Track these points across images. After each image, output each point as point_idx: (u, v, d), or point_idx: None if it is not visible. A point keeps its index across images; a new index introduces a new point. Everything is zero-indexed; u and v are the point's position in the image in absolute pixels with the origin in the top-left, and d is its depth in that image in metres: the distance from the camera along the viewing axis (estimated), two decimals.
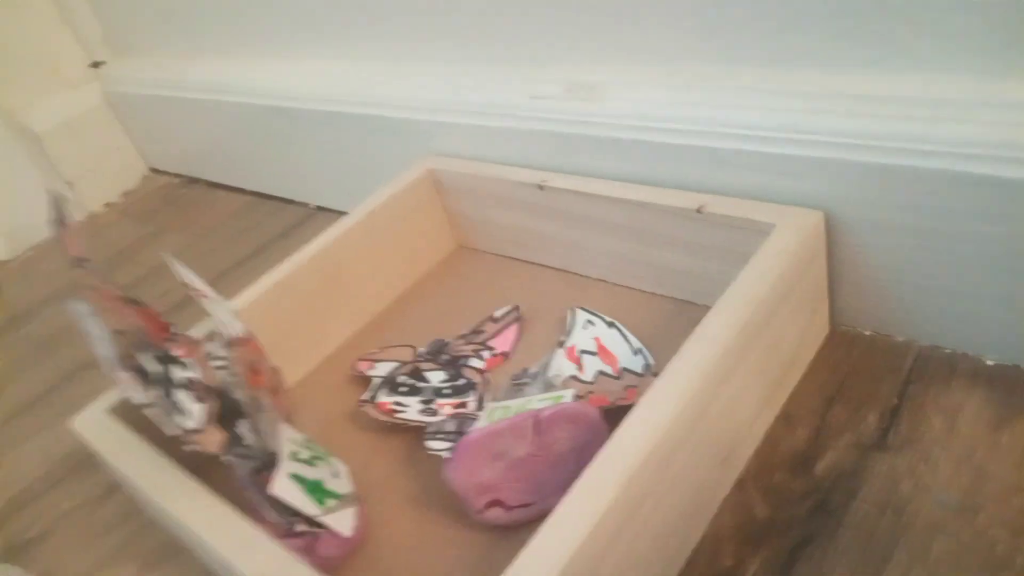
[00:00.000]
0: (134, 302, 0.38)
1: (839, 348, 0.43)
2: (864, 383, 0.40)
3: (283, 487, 0.36)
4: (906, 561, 0.32)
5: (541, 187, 0.49)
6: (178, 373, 0.34)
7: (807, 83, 0.39)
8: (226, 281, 0.69)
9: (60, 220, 0.37)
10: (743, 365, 0.35)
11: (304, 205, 0.78)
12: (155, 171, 0.98)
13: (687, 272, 0.45)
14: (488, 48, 0.52)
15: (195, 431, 0.33)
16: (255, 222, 0.78)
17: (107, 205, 0.94)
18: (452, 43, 0.54)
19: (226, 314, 0.42)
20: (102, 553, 0.45)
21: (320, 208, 0.76)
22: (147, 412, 0.34)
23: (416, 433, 0.44)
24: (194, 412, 0.33)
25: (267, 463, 0.38)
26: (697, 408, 0.32)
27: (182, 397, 0.33)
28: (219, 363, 0.40)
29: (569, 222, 0.49)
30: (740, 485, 0.37)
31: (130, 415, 0.42)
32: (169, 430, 0.33)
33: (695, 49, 0.43)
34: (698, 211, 0.42)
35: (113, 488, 0.49)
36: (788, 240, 0.38)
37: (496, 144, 0.53)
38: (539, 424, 0.35)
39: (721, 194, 0.42)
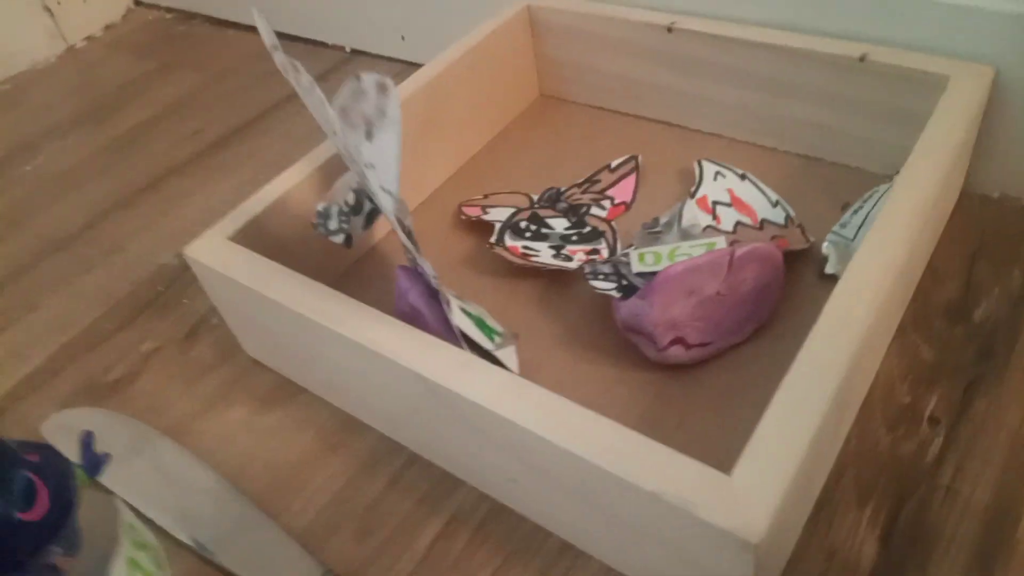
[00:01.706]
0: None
1: (972, 208, 0.44)
2: (1002, 241, 0.41)
3: (460, 319, 0.35)
4: None
5: (670, 29, 0.46)
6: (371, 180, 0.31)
7: None
8: (267, 124, 0.64)
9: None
10: (929, 223, 0.35)
11: (338, 48, 0.72)
12: (140, 3, 0.88)
13: (825, 128, 0.45)
14: None
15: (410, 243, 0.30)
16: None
17: (88, 39, 0.84)
18: None
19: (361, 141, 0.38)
20: (205, 394, 0.42)
21: (356, 52, 0.71)
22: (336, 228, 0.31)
23: (547, 277, 0.43)
24: (403, 217, 0.31)
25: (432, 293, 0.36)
26: (911, 250, 0.32)
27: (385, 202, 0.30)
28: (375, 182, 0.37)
29: (694, 72, 0.47)
30: (902, 331, 0.38)
31: (253, 244, 0.38)
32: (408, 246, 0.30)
33: None
34: (860, 60, 0.41)
35: (198, 328, 0.46)
36: (967, 97, 0.37)
37: None
38: (733, 262, 0.35)
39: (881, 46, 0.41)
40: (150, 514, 0.36)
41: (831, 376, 0.27)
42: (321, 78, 0.68)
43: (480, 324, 0.36)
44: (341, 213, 0.36)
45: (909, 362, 0.37)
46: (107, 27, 0.85)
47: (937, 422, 0.34)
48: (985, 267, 0.40)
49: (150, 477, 0.37)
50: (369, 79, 0.28)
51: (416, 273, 0.36)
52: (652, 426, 0.35)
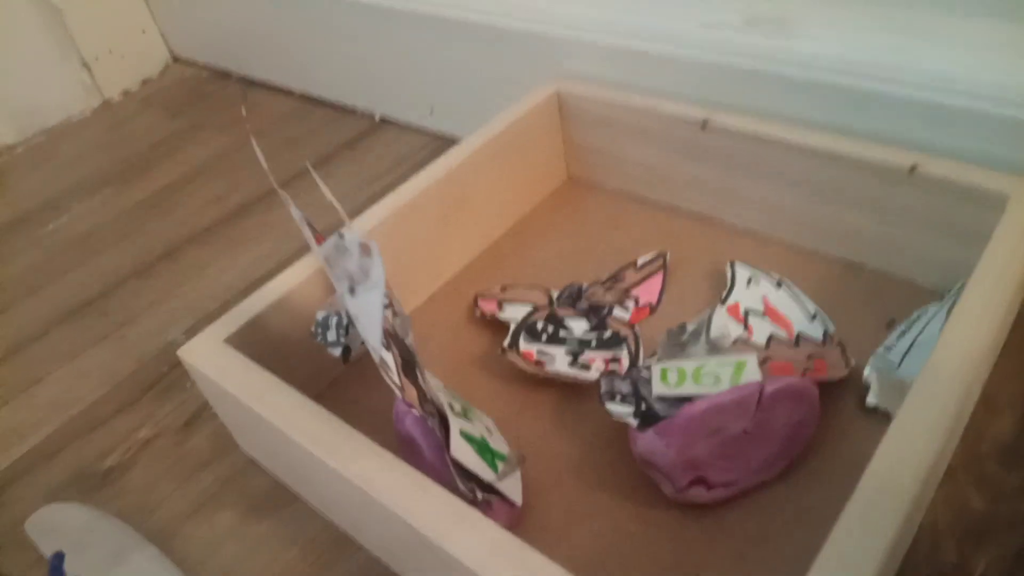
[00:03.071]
0: (312, 228, 0.33)
1: None
2: None
3: (459, 447, 0.32)
4: None
5: (705, 126, 0.44)
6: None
7: None
8: (290, 191, 0.62)
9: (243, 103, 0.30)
10: (987, 355, 0.32)
11: (367, 115, 0.71)
12: (178, 60, 0.89)
13: (871, 236, 0.41)
14: None
15: (399, 386, 0.28)
16: (310, 129, 0.71)
17: (124, 93, 0.85)
18: None
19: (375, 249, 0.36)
20: (197, 493, 0.40)
21: (384, 120, 0.70)
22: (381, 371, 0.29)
23: (562, 388, 0.40)
24: (389, 363, 0.28)
25: (438, 420, 0.33)
26: (968, 393, 0.29)
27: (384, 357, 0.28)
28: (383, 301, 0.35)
29: (728, 167, 0.45)
30: (951, 474, 0.34)
31: (248, 347, 0.36)
32: (396, 389, 0.28)
33: None
34: (910, 171, 0.38)
35: (197, 417, 0.44)
36: None
37: (641, 72, 0.47)
38: (762, 400, 0.32)
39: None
40: None
41: (879, 542, 0.24)
42: (349, 145, 0.67)
43: (482, 450, 0.33)
44: (340, 325, 0.34)
45: (957, 513, 0.33)
46: (144, 82, 0.86)
47: None
48: None
49: None
50: (352, 239, 0.26)
51: None
52: (666, 573, 0.32)
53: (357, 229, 0.40)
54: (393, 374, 0.28)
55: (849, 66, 0.40)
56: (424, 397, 0.31)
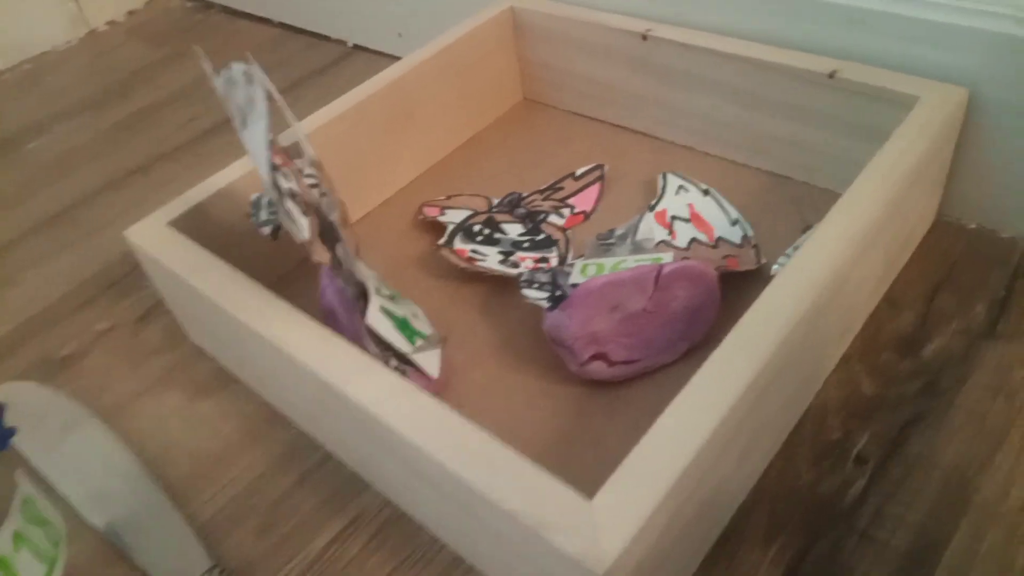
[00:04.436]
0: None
1: (944, 237, 0.41)
2: (970, 274, 0.39)
3: (376, 319, 0.34)
4: (1019, 444, 0.32)
5: (645, 37, 0.45)
6: (283, 182, 0.31)
7: None
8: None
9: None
10: (876, 245, 0.33)
11: (340, 43, 0.72)
12: None
13: (795, 144, 0.43)
14: None
15: (309, 242, 0.30)
16: (286, 57, 0.72)
17: (110, 23, 0.86)
18: None
19: (303, 134, 0.38)
20: (147, 377, 0.43)
21: (357, 47, 0.71)
22: (267, 220, 0.30)
23: (492, 283, 0.42)
24: (302, 224, 0.30)
25: (356, 294, 0.35)
26: (838, 282, 0.30)
27: (291, 207, 0.30)
28: (310, 181, 0.37)
29: (668, 81, 0.46)
30: (845, 361, 0.36)
31: (193, 231, 0.38)
32: (297, 235, 0.30)
33: None
34: (830, 76, 0.39)
35: (152, 312, 0.47)
36: (933, 116, 0.35)
37: None
38: (660, 279, 0.33)
39: (854, 61, 0.39)
40: (64, 491, 0.36)
41: (720, 403, 0.26)
42: (322, 71, 0.69)
43: (403, 326, 0.35)
44: (270, 204, 0.36)
45: (847, 395, 0.35)
46: (129, 12, 0.87)
47: (865, 461, 0.32)
48: (947, 300, 0.38)
49: (73, 456, 0.38)
50: (237, 68, 0.28)
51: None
52: (567, 443, 0.34)
53: (302, 130, 0.42)
54: (301, 231, 0.30)
55: None
56: (339, 266, 0.33)
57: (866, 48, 0.39)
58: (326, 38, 0.73)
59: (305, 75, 0.68)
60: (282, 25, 0.77)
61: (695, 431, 0.25)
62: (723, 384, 0.26)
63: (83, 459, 0.38)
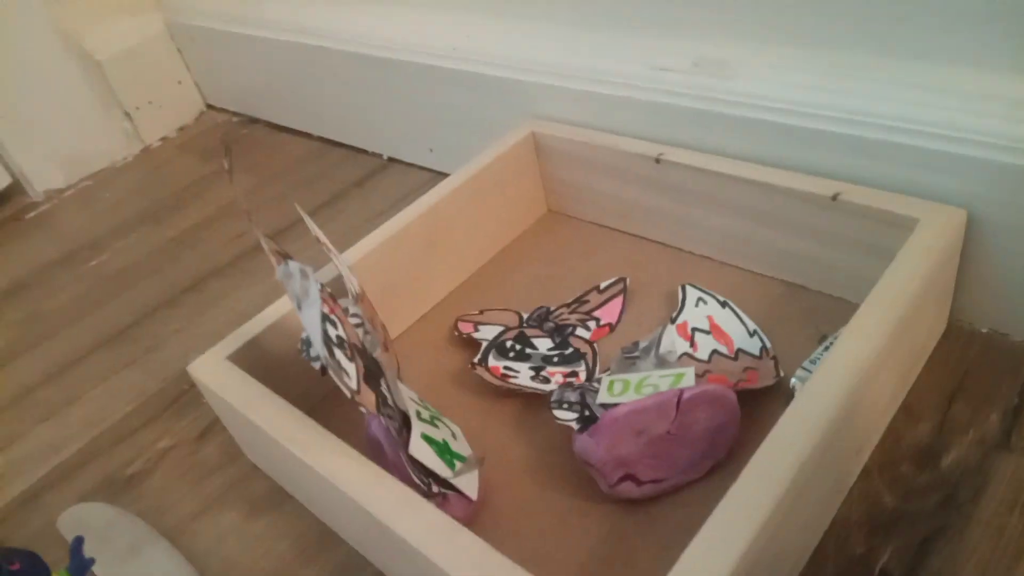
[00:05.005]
0: (285, 255, 0.38)
1: (956, 344, 0.43)
2: (983, 381, 0.41)
3: (418, 447, 0.37)
4: None
5: (658, 161, 0.49)
6: (331, 330, 0.34)
7: (962, 81, 0.39)
8: (303, 228, 0.69)
9: (230, 169, 0.36)
10: (888, 362, 0.35)
11: (376, 156, 0.77)
12: (212, 108, 0.97)
13: (806, 258, 0.45)
14: (610, 13, 0.51)
15: (356, 392, 0.33)
16: (325, 169, 0.77)
17: (163, 139, 0.93)
18: (568, 4, 0.53)
19: (345, 268, 0.42)
20: (206, 495, 0.46)
21: (392, 160, 0.76)
22: (332, 375, 0.34)
23: (526, 399, 0.45)
24: (350, 372, 0.34)
25: (402, 424, 0.38)
26: (855, 400, 0.33)
27: (340, 356, 0.33)
28: (354, 320, 0.40)
29: (682, 198, 0.49)
30: (866, 475, 0.38)
31: (248, 362, 0.42)
32: (346, 391, 0.33)
33: (841, 36, 0.42)
34: (833, 199, 0.42)
35: (210, 429, 0.50)
36: (935, 237, 0.38)
37: (606, 113, 0.52)
38: (681, 404, 0.36)
39: (855, 183, 0.42)
40: None
41: (743, 532, 0.28)
42: (360, 183, 0.74)
43: (443, 451, 0.38)
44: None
45: (869, 509, 0.36)
46: (180, 129, 0.94)
47: None
48: (962, 408, 0.40)
49: None
50: (295, 266, 0.31)
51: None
52: (600, 561, 0.36)
53: (346, 259, 0.46)
54: (350, 380, 0.33)
55: (782, 104, 0.44)
56: (384, 402, 0.36)
57: (869, 172, 0.42)
58: (363, 151, 0.78)
59: (345, 187, 0.73)
60: (321, 139, 0.83)
61: (718, 563, 0.27)
62: (744, 515, 0.28)
63: None
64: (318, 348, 0.31)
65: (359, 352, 0.36)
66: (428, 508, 0.31)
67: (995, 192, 0.38)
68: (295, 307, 0.32)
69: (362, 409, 0.34)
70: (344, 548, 0.40)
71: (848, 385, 0.32)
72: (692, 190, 0.48)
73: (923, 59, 0.40)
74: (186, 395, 0.54)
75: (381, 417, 0.35)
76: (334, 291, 0.44)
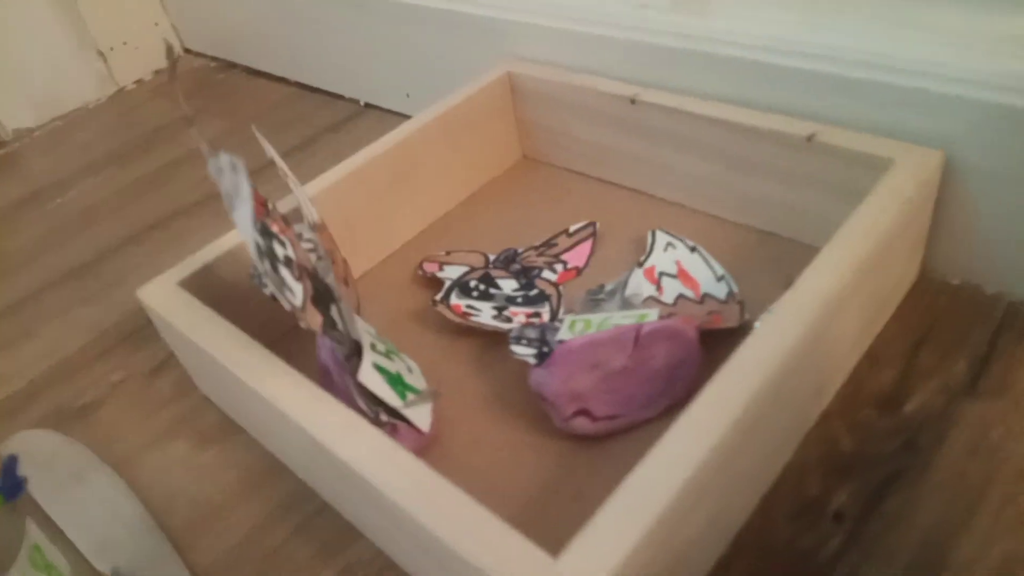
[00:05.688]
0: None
1: (927, 294, 0.42)
2: (953, 330, 0.40)
3: (368, 375, 0.36)
4: (998, 503, 0.32)
5: (633, 101, 0.47)
6: (279, 250, 0.33)
7: (945, 17, 0.38)
8: (274, 171, 0.67)
9: (172, 72, 0.34)
10: (852, 303, 0.34)
11: (353, 101, 0.75)
12: (189, 51, 0.94)
13: (779, 203, 0.44)
14: None
15: (300, 309, 0.32)
16: (301, 114, 0.75)
17: (137, 82, 0.91)
18: None
19: (305, 198, 0.40)
20: (156, 427, 0.44)
21: (369, 105, 0.74)
22: (268, 284, 0.32)
23: (486, 338, 0.44)
24: (296, 290, 0.32)
25: (352, 351, 0.37)
26: (813, 339, 0.32)
27: (285, 274, 0.32)
28: (307, 245, 0.39)
29: (656, 141, 0.48)
30: (825, 419, 0.37)
31: (201, 291, 0.40)
32: (286, 304, 0.32)
33: None
34: (808, 139, 0.40)
35: (165, 363, 0.49)
36: (908, 179, 0.37)
37: (584, 53, 0.51)
38: (639, 338, 0.35)
39: (832, 125, 0.41)
40: (72, 537, 0.38)
41: (687, 462, 0.27)
42: (335, 128, 0.72)
43: (395, 381, 0.37)
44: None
45: (826, 451, 0.36)
46: (156, 71, 0.92)
47: (842, 518, 0.33)
48: (928, 356, 0.39)
49: (83, 504, 0.39)
50: (224, 159, 0.30)
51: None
52: (550, 495, 0.35)
53: (306, 192, 0.45)
54: (294, 297, 0.32)
55: (760, 41, 0.43)
56: (332, 326, 0.35)
57: (847, 112, 0.41)
58: (340, 97, 0.76)
59: (319, 132, 0.71)
60: (299, 84, 0.81)
61: (661, 490, 0.26)
62: (691, 443, 0.27)
63: (91, 506, 0.40)
64: (250, 251, 0.29)
65: (308, 274, 0.35)
66: (370, 432, 0.30)
67: (974, 133, 0.37)
68: (227, 206, 0.30)
69: (302, 324, 0.32)
70: (291, 479, 0.39)
71: (805, 323, 0.31)
72: (667, 132, 0.47)
73: None
74: (144, 329, 0.52)
75: (327, 338, 0.33)
76: (293, 218, 0.42)
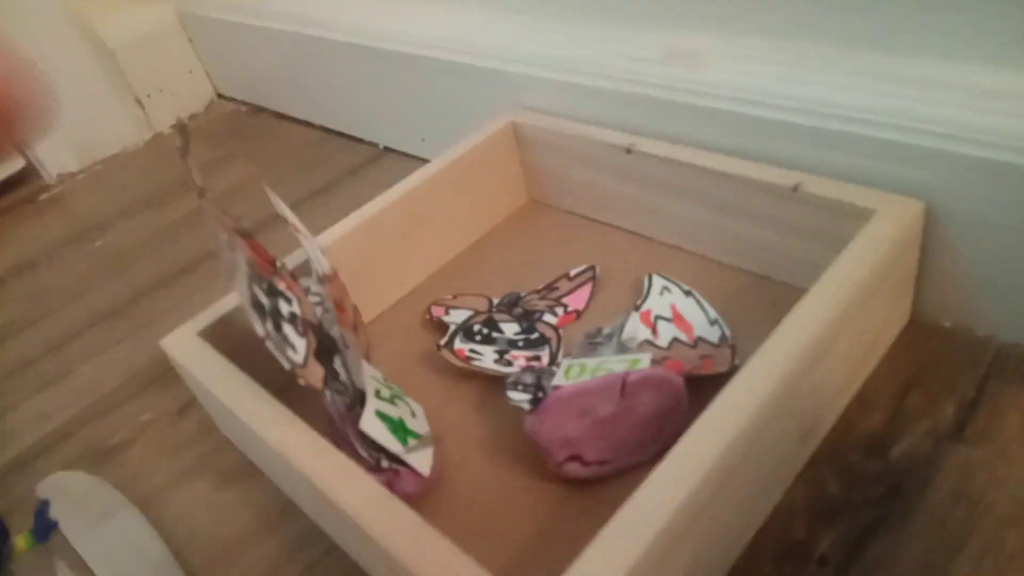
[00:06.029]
0: (246, 234, 0.39)
1: (918, 337, 0.43)
2: (942, 374, 0.40)
3: (370, 423, 0.38)
4: (979, 550, 0.33)
5: (629, 150, 0.49)
6: (284, 307, 0.35)
7: (923, 72, 0.39)
8: (297, 213, 0.70)
9: (185, 149, 0.37)
10: (835, 348, 0.35)
11: (372, 145, 0.78)
12: (222, 97, 0.99)
13: (770, 248, 0.45)
14: (586, 3, 0.52)
15: (300, 366, 0.34)
16: (323, 157, 0.79)
17: (173, 127, 0.95)
18: None
19: (316, 250, 0.43)
20: (181, 466, 0.47)
21: (388, 149, 0.77)
22: (267, 344, 0.35)
23: (488, 381, 0.46)
24: (298, 346, 0.35)
25: (355, 399, 0.39)
26: (792, 386, 0.33)
27: (288, 331, 0.34)
28: (314, 299, 0.41)
29: (652, 187, 0.49)
30: (813, 462, 0.38)
31: (219, 340, 0.43)
32: (285, 364, 0.34)
33: (806, 27, 0.42)
34: (793, 189, 0.42)
35: (190, 404, 0.52)
36: (889, 227, 0.38)
37: (583, 103, 0.53)
38: (626, 386, 0.36)
39: (818, 174, 0.42)
40: (99, 574, 0.40)
41: (661, 512, 0.28)
42: (354, 171, 0.75)
43: (398, 428, 0.39)
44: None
45: (813, 496, 0.37)
46: (191, 116, 0.96)
47: (826, 563, 0.34)
48: (917, 400, 0.40)
49: (110, 543, 0.42)
50: (223, 238, 0.32)
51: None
52: (544, 539, 0.36)
53: (320, 241, 0.47)
54: (296, 354, 0.34)
55: (748, 94, 0.44)
56: (335, 378, 0.37)
57: (832, 163, 0.42)
58: (360, 141, 0.79)
59: (340, 175, 0.75)
60: (323, 128, 0.84)
61: (636, 539, 0.27)
62: (666, 492, 0.29)
63: (118, 544, 0.42)
64: (248, 316, 0.32)
65: (312, 328, 0.37)
66: (366, 480, 0.32)
67: (954, 184, 0.38)
68: (225, 279, 0.33)
69: (300, 381, 0.35)
70: (303, 520, 0.42)
71: (784, 370, 0.32)
72: (662, 180, 0.48)
73: (885, 50, 0.40)
74: (172, 371, 0.55)
75: (328, 392, 0.36)
76: (303, 271, 0.45)
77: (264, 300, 0.33)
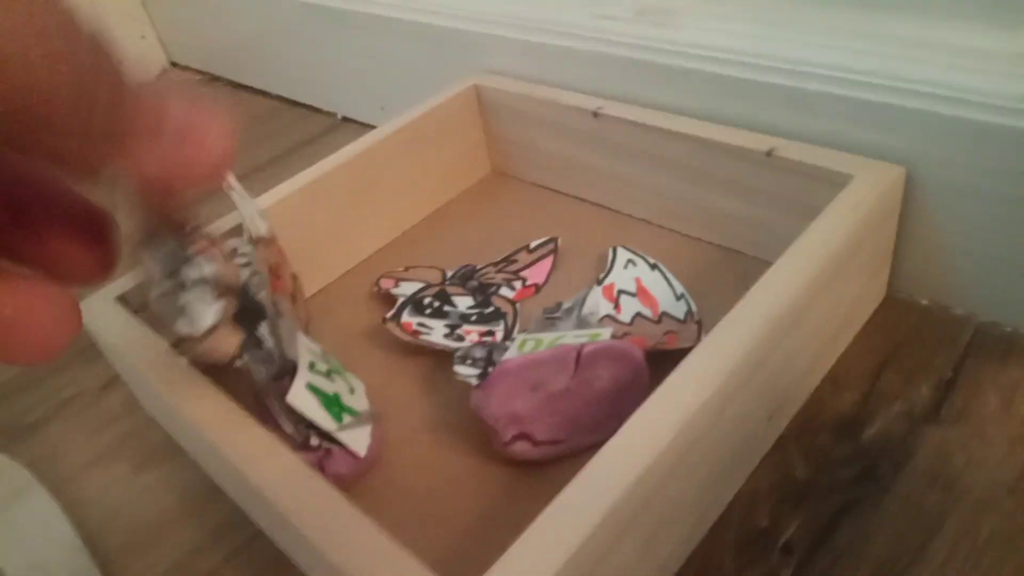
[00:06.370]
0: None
1: (893, 314, 0.40)
2: (918, 353, 0.38)
3: (300, 397, 0.34)
4: (953, 536, 0.30)
5: (596, 114, 0.46)
6: (191, 273, 0.31)
7: (905, 30, 0.36)
8: (247, 184, 0.66)
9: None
10: (806, 321, 0.33)
11: (330, 115, 0.74)
12: (175, 65, 0.94)
13: (742, 219, 0.43)
14: None
15: (206, 333, 0.30)
16: (278, 128, 0.75)
17: None
18: None
19: (253, 212, 0.39)
20: (101, 445, 0.43)
21: (346, 119, 0.73)
22: (154, 308, 0.31)
23: (438, 357, 0.42)
24: (214, 309, 0.31)
25: (284, 370, 0.36)
26: (757, 359, 0.30)
27: (192, 298, 0.31)
28: (242, 260, 0.38)
29: (620, 155, 0.47)
30: (781, 444, 0.35)
31: (141, 306, 0.39)
32: (182, 330, 0.31)
33: None
34: (767, 154, 0.39)
35: (115, 380, 0.48)
36: (866, 193, 0.35)
37: (550, 65, 0.50)
38: (581, 359, 0.33)
39: (794, 139, 0.39)
40: (2, 562, 0.36)
41: (609, 493, 0.25)
42: (311, 141, 0.71)
43: (332, 403, 0.36)
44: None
45: (780, 480, 0.34)
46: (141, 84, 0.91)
47: (791, 551, 0.31)
48: (892, 379, 0.37)
49: (17, 525, 0.38)
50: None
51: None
52: (487, 525, 0.33)
53: (256, 204, 0.44)
54: (202, 318, 0.31)
55: (722, 53, 0.41)
56: (257, 345, 0.34)
57: (808, 126, 0.39)
58: (318, 110, 0.76)
59: (296, 145, 0.71)
60: (279, 97, 0.80)
61: (581, 522, 0.24)
62: (615, 469, 0.26)
63: (26, 528, 0.38)
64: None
65: (233, 291, 0.33)
66: (289, 457, 0.29)
67: (936, 148, 0.36)
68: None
69: (198, 354, 0.31)
70: (228, 504, 0.38)
71: (751, 341, 0.29)
72: (630, 147, 0.45)
73: (865, 7, 0.37)
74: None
75: (246, 359, 0.32)
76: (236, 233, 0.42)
77: (166, 263, 0.30)
